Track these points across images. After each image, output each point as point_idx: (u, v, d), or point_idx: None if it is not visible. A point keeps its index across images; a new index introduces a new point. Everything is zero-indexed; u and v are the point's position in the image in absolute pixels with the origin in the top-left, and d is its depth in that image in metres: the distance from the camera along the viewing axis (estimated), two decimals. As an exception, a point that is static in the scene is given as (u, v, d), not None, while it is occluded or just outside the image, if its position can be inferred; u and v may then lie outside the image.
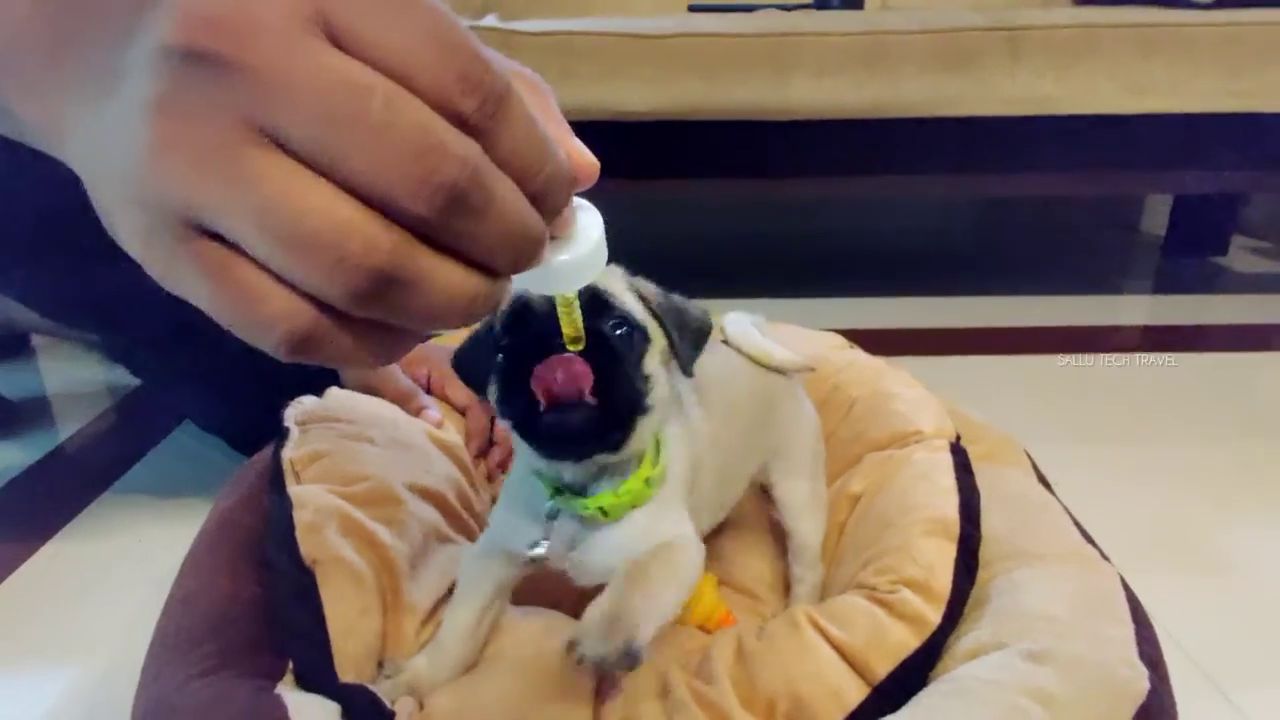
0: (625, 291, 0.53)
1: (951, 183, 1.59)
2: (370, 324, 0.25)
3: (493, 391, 0.51)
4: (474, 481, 0.80)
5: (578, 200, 0.31)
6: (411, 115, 0.23)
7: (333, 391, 0.78)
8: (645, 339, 0.52)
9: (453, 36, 0.23)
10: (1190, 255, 2.20)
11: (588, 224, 0.30)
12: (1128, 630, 0.55)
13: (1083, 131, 1.42)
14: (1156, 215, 2.40)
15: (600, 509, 0.53)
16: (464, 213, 0.24)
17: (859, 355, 0.91)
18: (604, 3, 1.86)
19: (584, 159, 0.31)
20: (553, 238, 0.28)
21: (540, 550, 0.53)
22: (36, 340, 1.57)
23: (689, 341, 0.55)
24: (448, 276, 0.25)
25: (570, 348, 0.40)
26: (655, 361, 0.52)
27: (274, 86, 0.22)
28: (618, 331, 0.50)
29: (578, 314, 0.38)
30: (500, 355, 0.50)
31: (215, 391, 0.96)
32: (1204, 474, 1.09)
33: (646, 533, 0.54)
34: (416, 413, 0.84)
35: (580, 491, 0.54)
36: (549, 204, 0.27)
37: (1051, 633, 0.55)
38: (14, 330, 1.21)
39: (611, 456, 0.52)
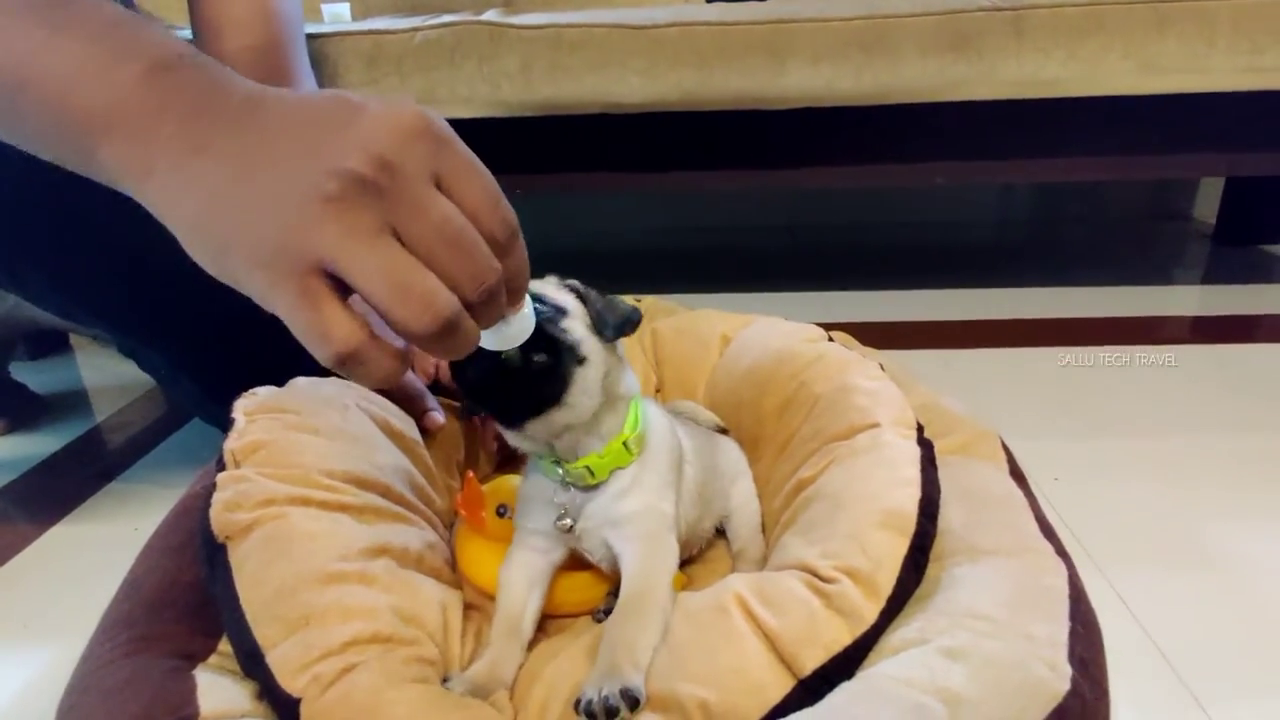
0: (555, 289, 0.63)
1: (964, 169, 1.54)
2: (397, 351, 0.40)
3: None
4: (432, 477, 0.80)
5: None
6: (473, 242, 0.40)
7: (295, 381, 0.78)
8: (563, 312, 0.61)
9: (498, 196, 0.41)
10: (1240, 244, 2.11)
11: (527, 305, 0.49)
12: (1060, 629, 0.53)
13: (1098, 114, 1.37)
14: (1210, 204, 2.30)
15: (587, 468, 0.64)
16: (490, 299, 0.41)
17: (832, 349, 0.88)
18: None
19: None
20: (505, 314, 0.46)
21: (566, 521, 0.65)
22: (75, 338, 1.65)
23: (611, 318, 0.63)
24: (472, 328, 0.41)
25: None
26: (579, 326, 0.61)
27: (410, 211, 0.38)
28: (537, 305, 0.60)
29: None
30: None
31: (212, 390, 0.98)
32: (1233, 469, 1.04)
33: (631, 489, 0.65)
34: (422, 414, 0.85)
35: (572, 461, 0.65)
36: (518, 290, 0.46)
37: (973, 630, 0.53)
38: (39, 328, 1.26)
39: (561, 413, 0.61)
